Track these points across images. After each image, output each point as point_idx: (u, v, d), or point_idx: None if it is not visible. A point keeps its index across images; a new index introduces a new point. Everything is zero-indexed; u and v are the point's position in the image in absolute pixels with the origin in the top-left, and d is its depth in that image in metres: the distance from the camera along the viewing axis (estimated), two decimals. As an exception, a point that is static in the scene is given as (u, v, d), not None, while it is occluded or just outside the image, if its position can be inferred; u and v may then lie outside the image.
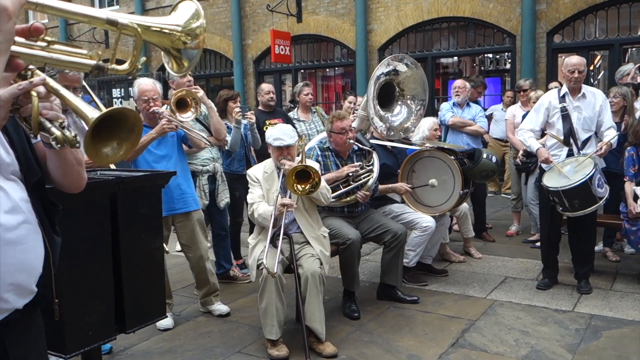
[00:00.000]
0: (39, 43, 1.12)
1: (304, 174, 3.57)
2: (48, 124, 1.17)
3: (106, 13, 1.12)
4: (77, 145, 1.19)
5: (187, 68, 1.22)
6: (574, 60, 4.49)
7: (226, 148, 4.87)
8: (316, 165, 3.89)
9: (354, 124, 4.59)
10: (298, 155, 3.82)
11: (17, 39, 1.07)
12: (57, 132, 1.16)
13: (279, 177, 3.77)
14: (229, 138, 4.80)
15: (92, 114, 1.14)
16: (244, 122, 5.06)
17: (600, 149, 4.32)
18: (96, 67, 1.17)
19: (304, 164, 3.60)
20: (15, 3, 0.93)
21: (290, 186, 3.54)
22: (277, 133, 3.74)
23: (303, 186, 3.56)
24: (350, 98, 6.72)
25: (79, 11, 1.09)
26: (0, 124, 1.14)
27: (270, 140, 3.74)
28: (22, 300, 1.32)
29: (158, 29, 1.16)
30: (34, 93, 1.13)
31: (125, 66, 1.19)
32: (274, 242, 3.59)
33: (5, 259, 1.23)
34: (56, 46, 1.14)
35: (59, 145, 1.17)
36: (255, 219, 3.69)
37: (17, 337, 1.36)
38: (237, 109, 4.93)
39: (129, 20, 1.12)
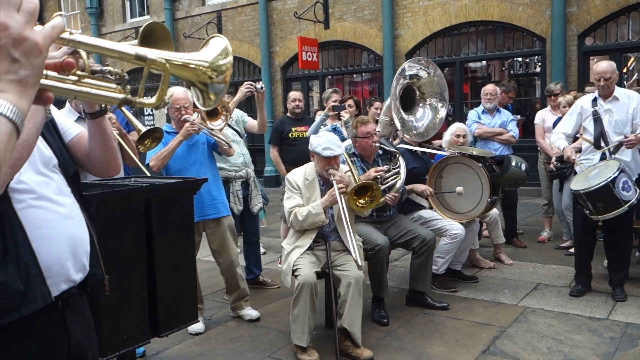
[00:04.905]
0: (70, 77, 1.16)
1: (361, 189, 3.64)
2: (97, 67, 1.30)
3: (135, 49, 1.16)
4: (126, 77, 1.30)
5: (214, 102, 1.25)
6: (599, 67, 4.45)
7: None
8: (345, 169, 3.92)
9: (377, 129, 4.60)
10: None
11: (49, 73, 1.11)
12: (111, 68, 1.28)
13: (320, 185, 3.81)
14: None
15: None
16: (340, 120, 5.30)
17: (626, 141, 4.24)
18: (124, 101, 1.23)
19: (365, 181, 3.72)
20: (46, 38, 0.96)
21: (352, 203, 3.61)
22: (326, 142, 3.67)
23: (363, 200, 3.65)
24: (377, 104, 6.71)
25: (109, 47, 1.14)
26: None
27: (318, 149, 3.67)
28: (78, 273, 1.49)
29: (183, 64, 1.20)
30: (81, 51, 1.24)
31: (152, 100, 1.24)
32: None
33: (64, 230, 1.44)
34: (86, 80, 1.20)
35: (118, 85, 1.27)
36: (300, 222, 3.66)
37: (75, 315, 1.52)
38: (331, 104, 5.32)
39: (157, 55, 1.16)
